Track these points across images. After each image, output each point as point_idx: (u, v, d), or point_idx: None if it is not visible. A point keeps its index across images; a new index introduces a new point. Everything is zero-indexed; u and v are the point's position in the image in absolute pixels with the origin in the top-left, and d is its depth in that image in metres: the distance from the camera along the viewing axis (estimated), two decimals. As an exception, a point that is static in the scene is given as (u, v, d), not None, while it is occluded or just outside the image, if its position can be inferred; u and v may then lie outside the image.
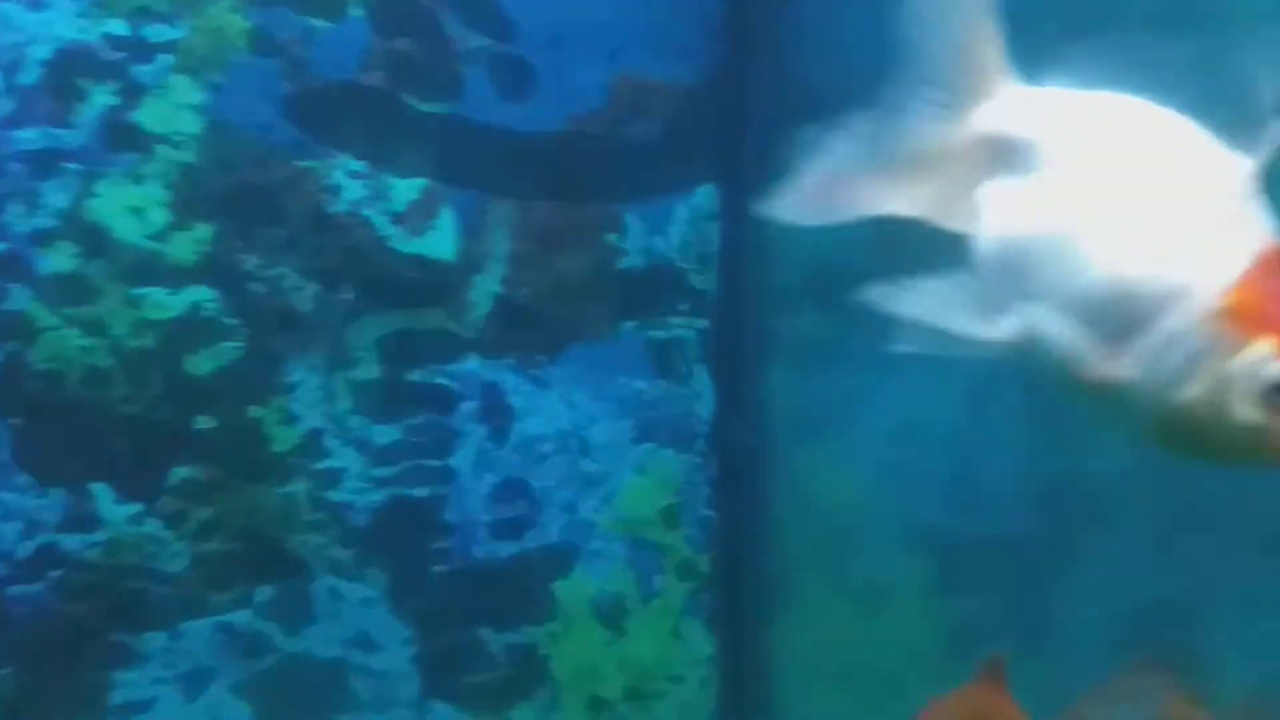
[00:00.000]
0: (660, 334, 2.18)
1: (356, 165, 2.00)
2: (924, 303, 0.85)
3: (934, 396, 1.93)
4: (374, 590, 2.08)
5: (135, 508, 1.97)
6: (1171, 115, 0.82)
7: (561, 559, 2.17)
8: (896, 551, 2.08)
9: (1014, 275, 0.82)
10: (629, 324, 2.16)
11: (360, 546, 2.07)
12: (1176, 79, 0.81)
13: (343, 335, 2.04)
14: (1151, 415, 0.78)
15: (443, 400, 2.09)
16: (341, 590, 2.06)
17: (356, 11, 1.97)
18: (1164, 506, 1.69)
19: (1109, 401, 0.79)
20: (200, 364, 1.97)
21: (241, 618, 2.02)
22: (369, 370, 2.05)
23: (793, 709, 2.23)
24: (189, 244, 1.95)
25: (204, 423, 1.99)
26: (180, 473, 1.98)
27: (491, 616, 2.14)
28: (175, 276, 1.95)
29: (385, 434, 2.07)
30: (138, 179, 1.93)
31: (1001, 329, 0.83)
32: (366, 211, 2.02)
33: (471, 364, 2.09)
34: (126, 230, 1.93)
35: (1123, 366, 0.77)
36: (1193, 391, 0.75)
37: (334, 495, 2.05)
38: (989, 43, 0.86)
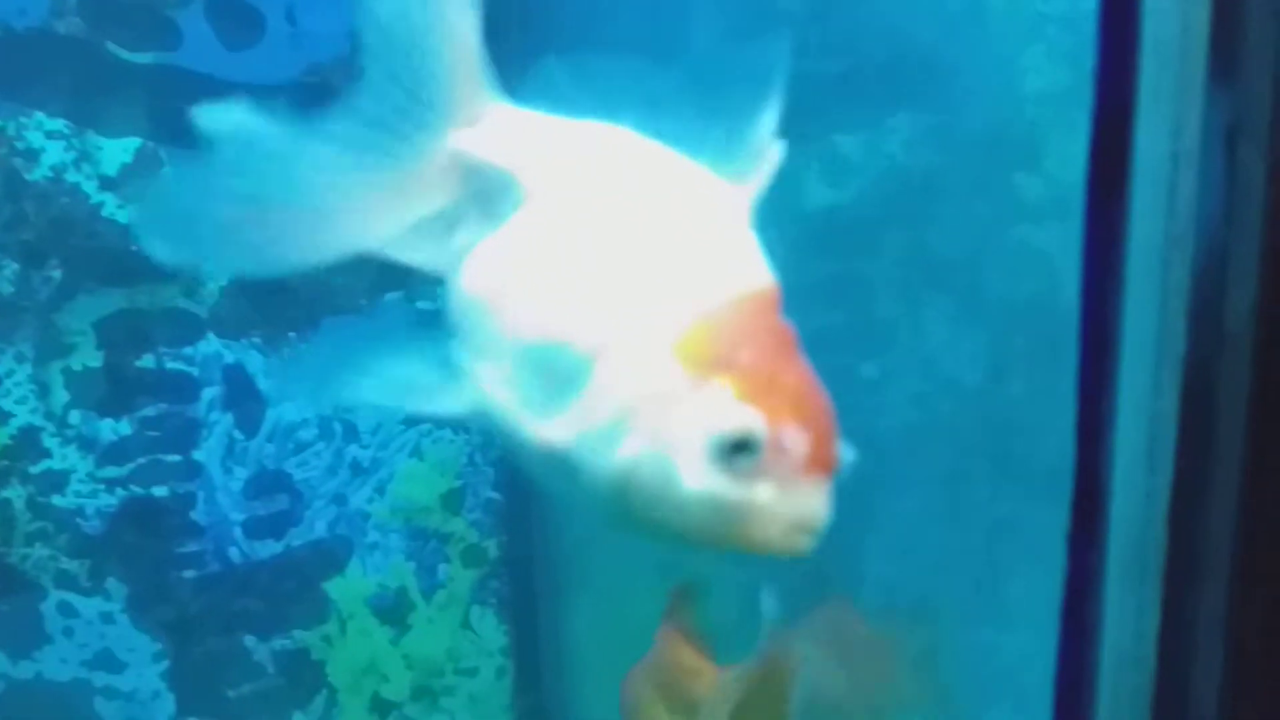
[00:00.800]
0: (429, 305, 2.01)
1: (55, 125, 1.79)
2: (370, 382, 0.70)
3: None
4: (114, 603, 1.91)
5: None
6: (656, 145, 0.67)
7: (332, 555, 2.03)
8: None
9: (475, 328, 0.68)
10: (393, 295, 1.97)
11: (94, 556, 1.90)
12: (666, 104, 0.67)
13: (53, 319, 1.84)
14: (592, 487, 0.61)
15: (180, 387, 1.91)
16: (75, 606, 1.89)
17: None
18: (952, 460, 1.64)
19: (559, 472, 0.62)
20: None
21: None
22: (88, 357, 1.86)
23: (592, 691, 2.14)
24: None
25: None
26: None
27: (255, 622, 2.00)
28: None
29: (114, 429, 1.88)
30: None
31: (460, 398, 0.67)
32: (71, 177, 1.81)
33: (211, 345, 1.91)
34: None
35: (561, 428, 0.60)
36: (630, 451, 0.58)
37: (58, 500, 1.87)
38: (470, 51, 0.69)
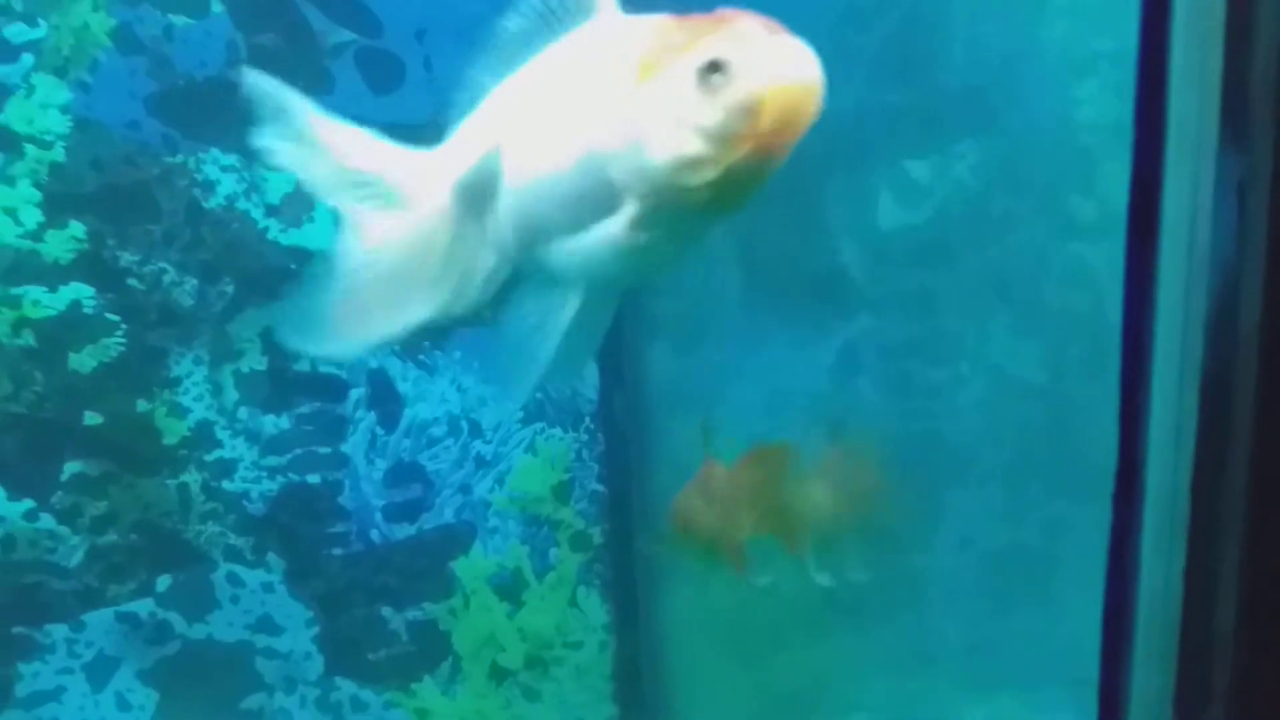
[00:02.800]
0: None
1: (229, 159, 1.88)
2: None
3: (798, 368, 1.86)
4: (273, 575, 1.99)
5: (28, 504, 1.88)
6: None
7: (458, 538, 2.09)
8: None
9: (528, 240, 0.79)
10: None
11: (257, 534, 1.98)
12: None
13: (226, 328, 1.93)
14: (681, 201, 0.68)
15: (331, 388, 1.99)
16: (241, 576, 1.98)
17: (218, 8, 1.84)
18: (1009, 461, 1.65)
19: (659, 236, 0.71)
20: (84, 361, 1.86)
21: (143, 607, 1.95)
22: (255, 361, 1.94)
23: (683, 667, 2.18)
24: (64, 242, 1.83)
25: (92, 418, 1.88)
26: (72, 468, 1.88)
27: (391, 596, 2.06)
28: (53, 275, 1.83)
29: (275, 423, 1.96)
30: (8, 179, 1.80)
31: (569, 304, 0.77)
32: (242, 205, 1.90)
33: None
34: (0, 230, 1.81)
35: (631, 197, 0.68)
36: (669, 145, 0.66)
37: (228, 485, 1.95)
38: None
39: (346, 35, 1.90)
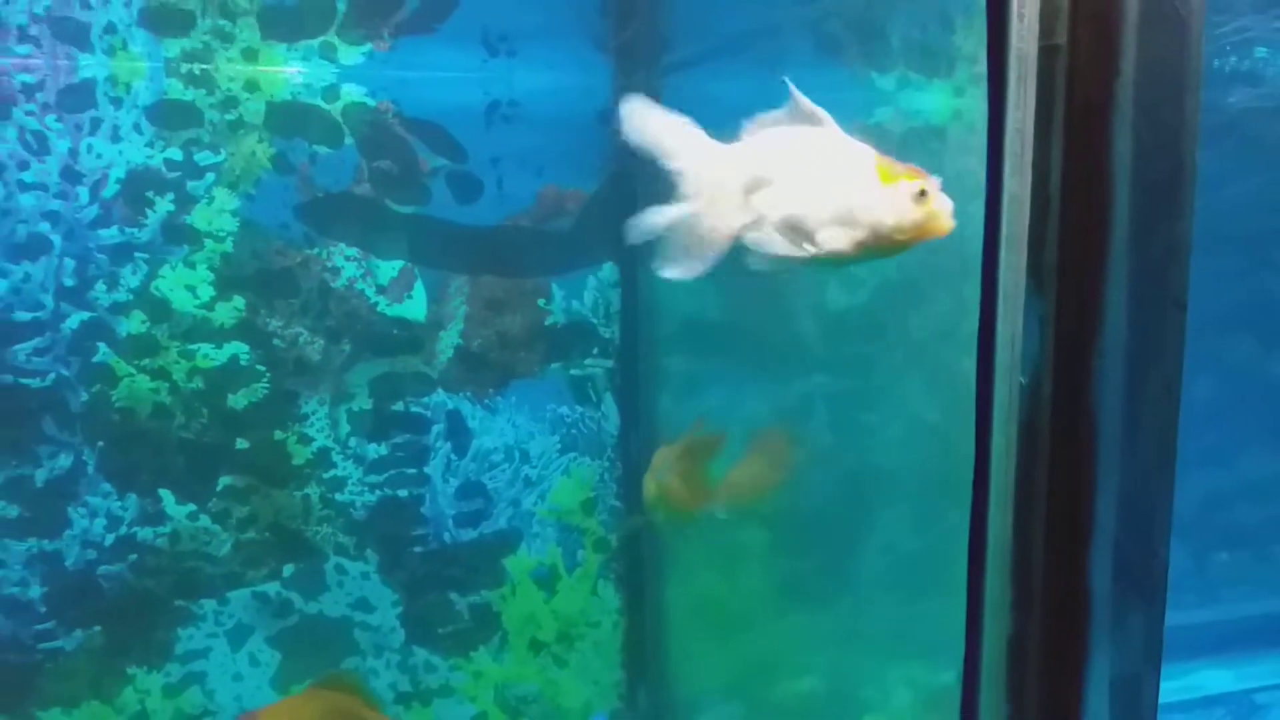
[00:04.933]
0: (578, 372, 2.29)
1: (351, 252, 2.12)
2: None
3: (771, 413, 2.09)
4: (370, 566, 2.20)
5: (191, 507, 2.09)
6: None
7: (509, 540, 2.29)
8: (748, 526, 2.18)
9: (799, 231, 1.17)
10: (555, 365, 2.27)
11: (359, 534, 2.19)
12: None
13: (343, 378, 2.14)
14: (882, 246, 1.12)
15: (418, 424, 2.20)
16: (346, 567, 2.19)
17: (349, 140, 2.09)
18: (920, 483, 1.86)
19: (855, 254, 1.13)
20: (238, 400, 2.09)
21: (272, 588, 2.16)
22: (363, 403, 2.17)
23: (677, 641, 2.36)
24: (229, 312, 2.07)
25: (242, 444, 2.11)
26: (225, 481, 2.10)
27: (457, 584, 2.26)
28: (219, 336, 2.08)
29: (376, 450, 2.18)
30: (190, 264, 2.05)
31: (788, 262, 1.17)
32: (360, 285, 2.13)
33: (439, 397, 2.21)
34: (183, 302, 2.05)
35: (856, 233, 1.13)
36: (887, 217, 1.10)
37: (339, 497, 2.17)
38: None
39: (441, 161, 2.15)
